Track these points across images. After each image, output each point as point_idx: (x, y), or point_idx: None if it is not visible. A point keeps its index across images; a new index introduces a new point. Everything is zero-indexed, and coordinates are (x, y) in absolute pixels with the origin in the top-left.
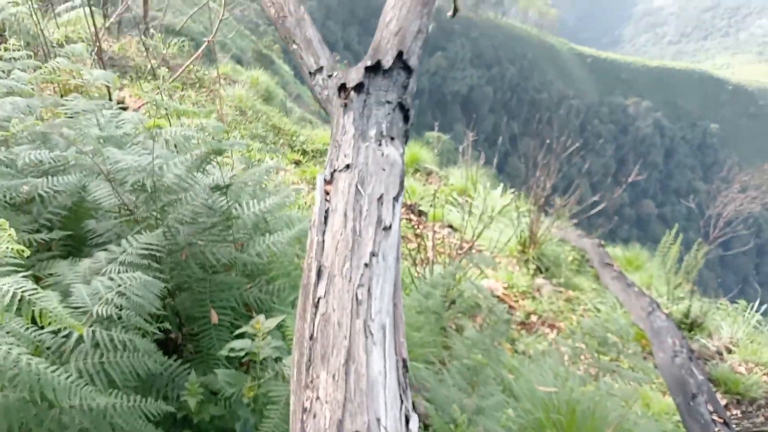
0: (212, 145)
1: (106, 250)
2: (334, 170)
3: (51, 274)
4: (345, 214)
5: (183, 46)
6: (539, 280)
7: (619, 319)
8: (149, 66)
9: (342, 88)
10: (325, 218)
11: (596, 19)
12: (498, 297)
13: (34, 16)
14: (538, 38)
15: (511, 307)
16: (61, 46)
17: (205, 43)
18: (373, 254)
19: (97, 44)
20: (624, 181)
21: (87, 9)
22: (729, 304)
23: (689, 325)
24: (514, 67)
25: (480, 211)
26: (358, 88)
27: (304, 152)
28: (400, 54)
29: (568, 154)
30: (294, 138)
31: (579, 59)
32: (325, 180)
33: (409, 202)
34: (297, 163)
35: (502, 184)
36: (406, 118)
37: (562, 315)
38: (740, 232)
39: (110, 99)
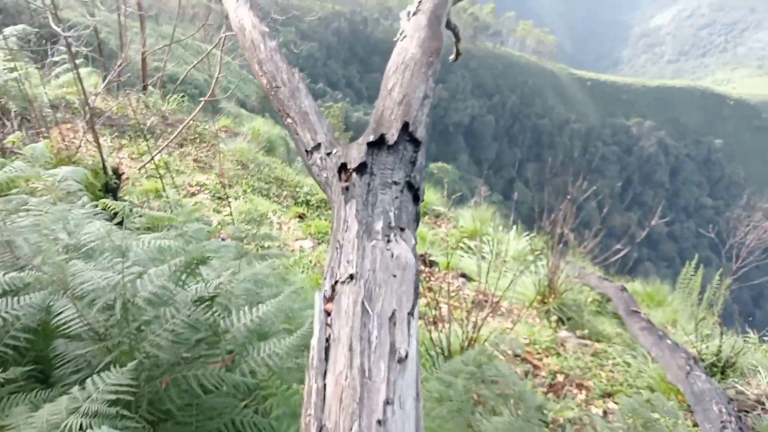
0: (193, 254)
1: (69, 393)
2: (336, 282)
3: (5, 426)
4: (350, 346)
5: (182, 101)
6: (563, 333)
7: (655, 381)
8: (148, 124)
9: (343, 168)
10: (326, 351)
11: (593, 44)
12: (519, 356)
13: (23, 85)
14: (537, 65)
15: (534, 366)
16: (56, 108)
17: (201, 103)
18: (387, 402)
19: (88, 111)
20: (649, 225)
21: (76, 73)
22: (756, 336)
23: (721, 368)
24: (514, 94)
25: (494, 257)
26: (361, 168)
27: (308, 204)
28: (405, 125)
29: (577, 179)
30: (297, 189)
31: (579, 83)
32: (324, 296)
33: (418, 252)
34: (301, 216)
35: (514, 227)
36: (416, 198)
37: (590, 372)
38: (765, 261)
39: (104, 168)
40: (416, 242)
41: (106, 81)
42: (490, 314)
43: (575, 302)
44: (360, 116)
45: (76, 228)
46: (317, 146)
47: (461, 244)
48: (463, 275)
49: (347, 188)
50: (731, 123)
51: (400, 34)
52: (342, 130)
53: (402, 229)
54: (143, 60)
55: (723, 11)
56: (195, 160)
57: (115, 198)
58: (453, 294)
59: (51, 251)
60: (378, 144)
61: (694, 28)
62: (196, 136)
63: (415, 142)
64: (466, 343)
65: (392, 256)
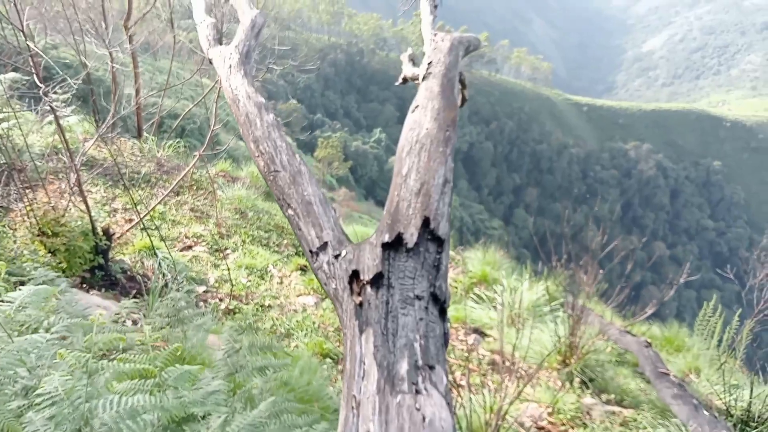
0: (174, 411)
1: None
2: None
3: None
4: None
5: (178, 146)
6: (588, 400)
7: None
8: (142, 173)
9: (354, 276)
10: None
11: (588, 69)
12: (542, 428)
13: (9, 136)
14: (533, 91)
15: None
16: (47, 158)
17: (196, 157)
18: None
19: (75, 172)
20: (677, 283)
21: (60, 134)
22: None
23: (754, 426)
24: (512, 121)
25: (508, 310)
26: (377, 279)
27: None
28: (426, 221)
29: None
30: None
31: (575, 108)
32: None
33: None
34: (303, 269)
35: (528, 276)
36: (442, 312)
37: None
38: None
39: (93, 230)
40: (448, 379)
41: (98, 132)
42: (509, 380)
43: (598, 362)
44: (358, 145)
45: (38, 361)
46: (323, 246)
47: (471, 293)
48: (476, 330)
49: (361, 305)
50: (728, 144)
51: (413, 108)
52: (341, 160)
53: (431, 368)
54: (138, 108)
55: (714, 34)
56: (192, 210)
57: (106, 260)
58: (467, 355)
59: (5, 395)
60: (395, 245)
61: (687, 52)
62: (193, 183)
63: (438, 241)
64: (490, 424)
65: (424, 419)
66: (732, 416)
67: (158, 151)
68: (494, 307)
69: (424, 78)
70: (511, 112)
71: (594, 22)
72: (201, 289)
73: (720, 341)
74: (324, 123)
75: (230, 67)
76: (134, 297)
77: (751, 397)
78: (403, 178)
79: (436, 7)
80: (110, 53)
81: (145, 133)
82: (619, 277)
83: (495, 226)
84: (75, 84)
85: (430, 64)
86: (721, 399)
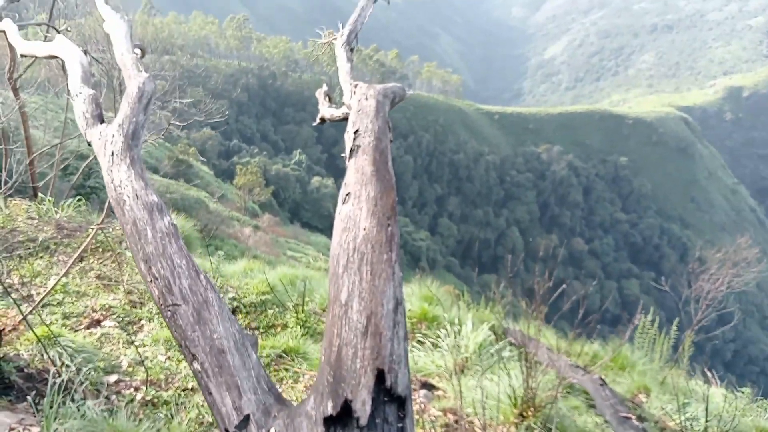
0: None
1: None
2: None
3: None
4: None
5: (79, 204)
6: None
7: None
8: (39, 239)
9: None
10: None
11: (495, 78)
12: None
13: None
14: (446, 104)
15: None
16: None
17: (94, 231)
18: None
19: None
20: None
21: None
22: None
23: None
24: (428, 133)
25: (454, 356)
26: None
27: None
28: (380, 375)
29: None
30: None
31: (487, 117)
32: None
33: None
34: None
35: (468, 311)
36: None
37: None
38: (723, 311)
39: None
40: None
41: None
42: None
43: (557, 411)
44: (279, 168)
45: None
46: (243, 422)
47: (416, 335)
48: (425, 384)
49: None
50: (632, 140)
51: (344, 196)
52: (263, 186)
53: None
54: (31, 168)
55: (609, 38)
56: (98, 277)
57: None
58: (418, 418)
59: None
60: (342, 417)
61: (586, 56)
62: (98, 245)
63: (398, 401)
64: None
65: None
66: None
67: (56, 212)
68: (439, 350)
69: (351, 152)
70: (427, 125)
71: (496, 33)
72: (112, 378)
73: (660, 353)
74: (241, 149)
75: (112, 154)
76: (34, 401)
77: (707, 420)
78: (343, 307)
79: (352, 50)
80: None
81: (40, 194)
82: (542, 275)
83: (422, 237)
84: None
85: (356, 133)
86: (674, 421)
